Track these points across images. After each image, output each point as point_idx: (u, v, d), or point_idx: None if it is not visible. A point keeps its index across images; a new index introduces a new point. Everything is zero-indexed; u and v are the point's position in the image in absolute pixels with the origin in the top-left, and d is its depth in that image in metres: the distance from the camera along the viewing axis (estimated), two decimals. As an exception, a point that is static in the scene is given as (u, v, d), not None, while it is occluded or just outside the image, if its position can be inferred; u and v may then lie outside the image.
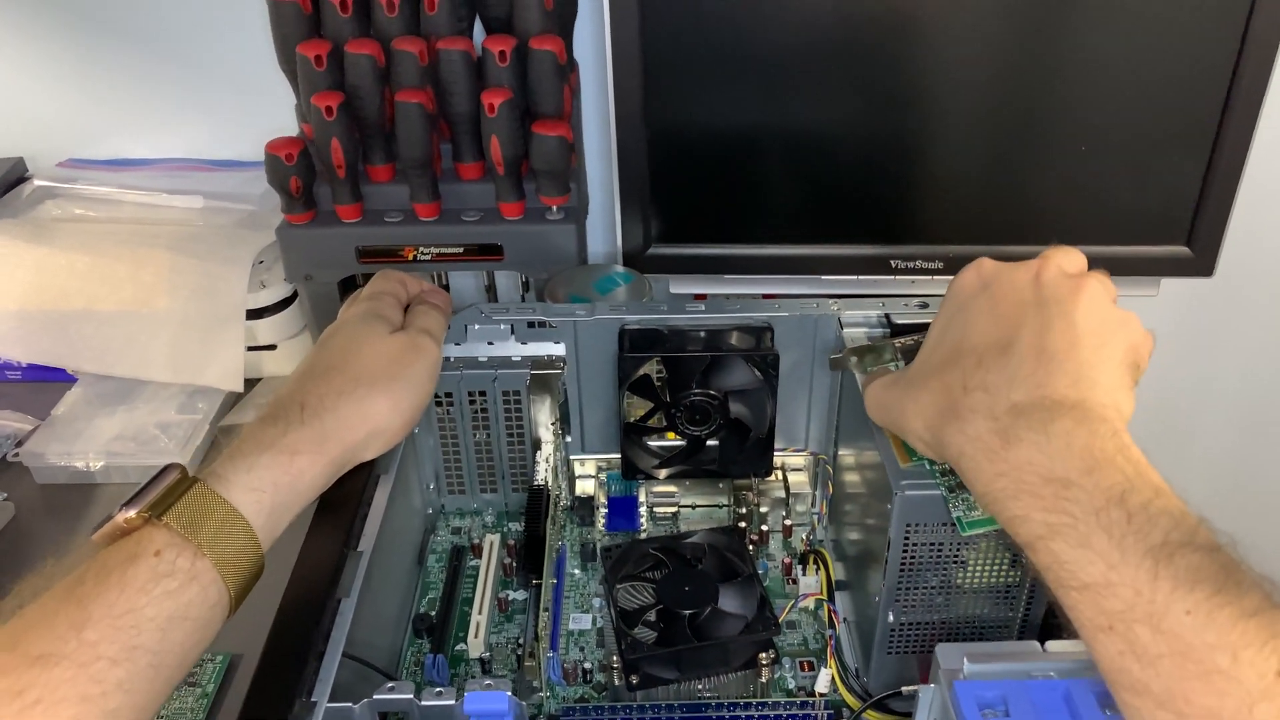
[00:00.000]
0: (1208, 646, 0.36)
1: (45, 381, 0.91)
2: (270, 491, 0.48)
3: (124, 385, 0.88)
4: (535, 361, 0.71)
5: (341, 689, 0.46)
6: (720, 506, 0.77)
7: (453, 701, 0.44)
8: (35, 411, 0.88)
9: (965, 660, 0.45)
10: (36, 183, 0.96)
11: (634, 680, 0.60)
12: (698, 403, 0.69)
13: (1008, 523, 0.43)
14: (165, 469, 0.46)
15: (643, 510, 0.76)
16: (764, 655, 0.61)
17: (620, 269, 0.83)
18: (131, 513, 0.44)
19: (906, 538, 0.56)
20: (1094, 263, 0.84)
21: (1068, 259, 0.51)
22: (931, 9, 0.76)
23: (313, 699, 0.44)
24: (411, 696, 0.44)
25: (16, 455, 0.83)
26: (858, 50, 0.78)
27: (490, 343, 0.72)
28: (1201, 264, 0.83)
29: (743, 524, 0.73)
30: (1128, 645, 0.37)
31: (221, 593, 0.44)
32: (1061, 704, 0.43)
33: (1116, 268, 0.84)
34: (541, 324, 0.70)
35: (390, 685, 0.44)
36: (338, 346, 0.58)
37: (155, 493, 0.45)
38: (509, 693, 0.44)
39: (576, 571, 0.72)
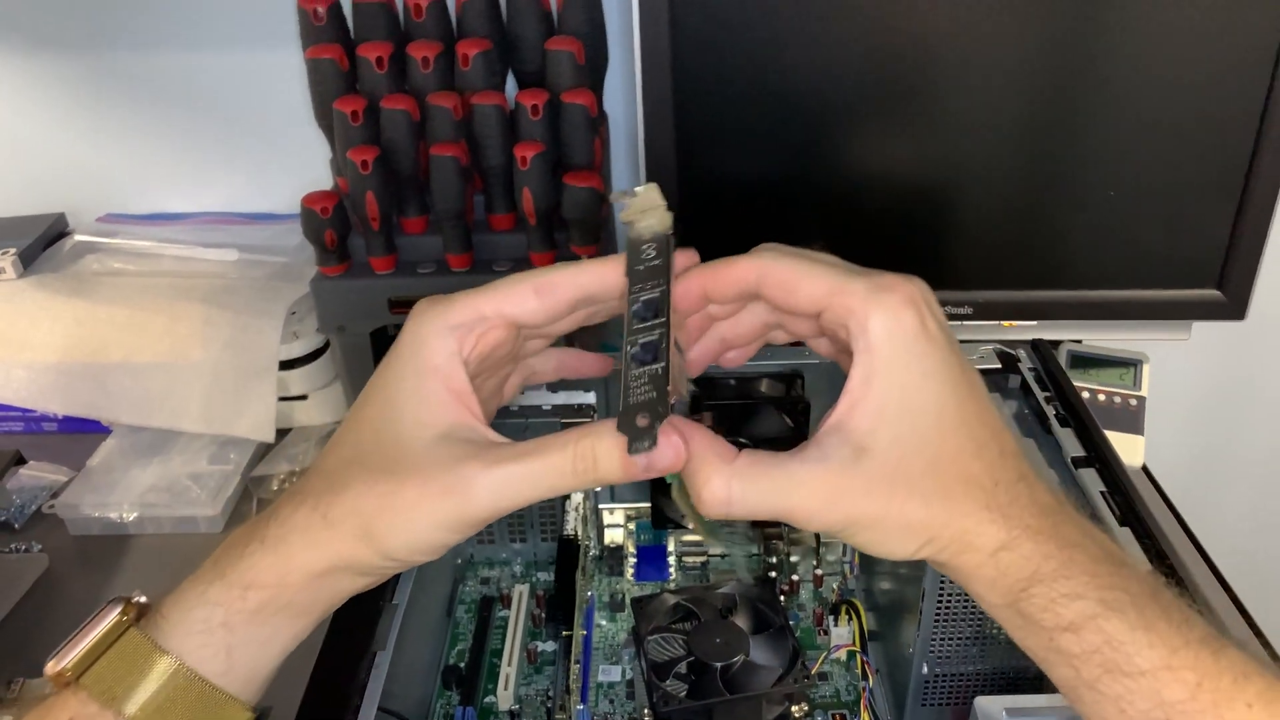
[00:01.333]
0: None
1: (80, 433, 0.92)
2: (221, 631, 0.38)
3: (158, 436, 0.89)
4: (565, 410, 0.71)
5: (376, 743, 0.46)
6: (750, 556, 0.76)
7: (485, 755, 0.44)
8: (70, 463, 0.89)
9: (1004, 713, 0.44)
10: (77, 237, 0.98)
11: (666, 733, 0.59)
12: (731, 452, 0.69)
13: (1052, 601, 0.37)
14: (108, 605, 0.38)
15: (672, 560, 0.76)
16: (797, 708, 0.60)
17: (649, 318, 0.84)
18: (59, 666, 0.37)
19: (941, 588, 0.56)
20: (1124, 307, 0.85)
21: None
22: (959, 60, 0.77)
23: (347, 754, 0.44)
24: (445, 750, 0.44)
25: (51, 507, 0.84)
26: (887, 101, 0.78)
27: (522, 392, 0.72)
28: (1233, 307, 0.82)
29: (773, 574, 0.72)
30: None
31: None
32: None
33: (1147, 312, 0.84)
34: (570, 373, 0.71)
35: (424, 739, 0.44)
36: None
37: (86, 641, 0.37)
38: (542, 746, 0.44)
39: (605, 622, 0.72)
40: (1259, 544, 1.19)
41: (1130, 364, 0.90)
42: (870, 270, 0.40)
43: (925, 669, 0.59)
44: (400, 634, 0.56)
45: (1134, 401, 0.88)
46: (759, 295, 0.42)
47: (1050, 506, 0.39)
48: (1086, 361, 0.90)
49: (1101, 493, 0.57)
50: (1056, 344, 0.92)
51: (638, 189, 0.43)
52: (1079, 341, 0.93)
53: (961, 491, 0.38)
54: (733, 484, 0.38)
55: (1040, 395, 0.64)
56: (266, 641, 0.39)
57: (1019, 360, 0.66)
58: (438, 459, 0.39)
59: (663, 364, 0.38)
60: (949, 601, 0.56)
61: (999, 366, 0.66)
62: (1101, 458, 0.58)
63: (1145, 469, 0.90)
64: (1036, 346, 0.68)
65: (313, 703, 0.44)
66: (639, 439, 0.37)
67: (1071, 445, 0.60)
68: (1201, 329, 0.86)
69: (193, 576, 0.40)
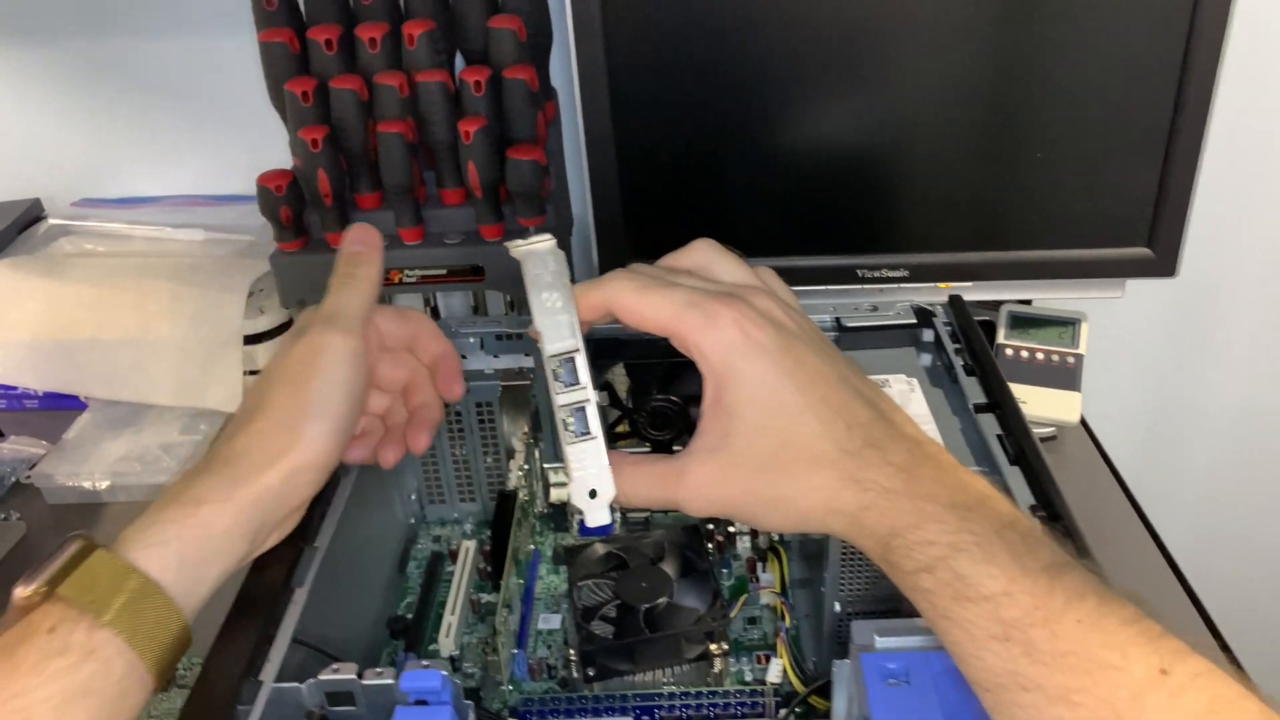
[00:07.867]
0: (1101, 646, 0.39)
1: (60, 409, 0.96)
2: (175, 544, 0.44)
3: (131, 409, 0.93)
4: (506, 373, 0.74)
5: (299, 674, 0.49)
6: (689, 510, 0.79)
7: (391, 681, 0.47)
8: (50, 436, 0.93)
9: (875, 635, 0.47)
10: (51, 221, 1.02)
11: (591, 672, 0.62)
12: (659, 408, 0.72)
13: (909, 548, 0.43)
14: (67, 540, 0.44)
15: (616, 515, 0.79)
16: (716, 646, 0.63)
17: (596, 286, 0.86)
18: (29, 589, 0.42)
19: (844, 529, 0.58)
20: (1057, 266, 0.87)
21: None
22: (889, 28, 0.79)
23: (259, 679, 0.47)
24: (354, 676, 0.47)
25: (29, 477, 0.88)
26: (818, 68, 0.81)
27: (464, 356, 0.75)
28: (1163, 264, 0.84)
29: (710, 525, 0.75)
30: (1023, 649, 0.40)
31: (131, 663, 0.42)
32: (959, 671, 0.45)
33: (1080, 270, 0.87)
34: (509, 336, 0.74)
35: (335, 666, 0.47)
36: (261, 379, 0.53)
37: (53, 566, 0.42)
38: (444, 672, 0.47)
39: (549, 575, 0.75)
40: (1218, 504, 1.21)
41: (1069, 323, 0.92)
42: (709, 290, 0.48)
43: (837, 607, 0.61)
44: (336, 581, 0.59)
45: (1071, 359, 0.90)
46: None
47: (904, 465, 0.45)
48: (1026, 321, 0.93)
49: (998, 435, 0.59)
50: (999, 305, 0.95)
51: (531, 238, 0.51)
52: (1027, 302, 0.95)
53: (807, 467, 0.46)
54: (622, 485, 0.49)
55: (951, 348, 0.66)
56: (208, 560, 0.45)
57: (934, 315, 0.69)
58: None
59: (598, 439, 0.48)
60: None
61: (914, 321, 0.69)
62: (1000, 404, 0.61)
63: (1084, 423, 0.92)
64: (953, 302, 0.70)
65: (229, 633, 0.48)
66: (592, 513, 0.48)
67: (975, 393, 0.62)
68: (1146, 288, 0.88)
69: (152, 505, 0.46)
